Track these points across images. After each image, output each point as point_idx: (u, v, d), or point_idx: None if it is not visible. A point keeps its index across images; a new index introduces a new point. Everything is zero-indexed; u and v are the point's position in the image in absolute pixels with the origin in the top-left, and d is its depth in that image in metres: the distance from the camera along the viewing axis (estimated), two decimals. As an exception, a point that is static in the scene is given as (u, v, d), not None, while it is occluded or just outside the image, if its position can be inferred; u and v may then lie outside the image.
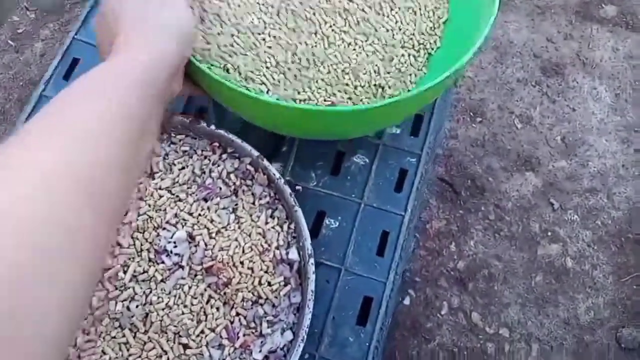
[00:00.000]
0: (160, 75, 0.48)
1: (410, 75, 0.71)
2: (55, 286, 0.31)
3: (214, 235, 0.62)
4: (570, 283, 1.10)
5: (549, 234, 1.13)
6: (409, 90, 0.70)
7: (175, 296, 0.59)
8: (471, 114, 1.20)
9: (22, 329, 0.29)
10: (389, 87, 0.70)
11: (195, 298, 0.59)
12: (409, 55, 0.72)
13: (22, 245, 0.30)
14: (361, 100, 0.68)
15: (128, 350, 0.57)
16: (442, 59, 0.72)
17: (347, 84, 0.68)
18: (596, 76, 1.26)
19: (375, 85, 0.69)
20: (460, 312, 1.05)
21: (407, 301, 1.04)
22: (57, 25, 1.16)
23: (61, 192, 0.33)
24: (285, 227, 0.68)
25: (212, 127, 0.69)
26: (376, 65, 0.70)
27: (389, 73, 0.70)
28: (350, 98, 0.68)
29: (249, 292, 0.62)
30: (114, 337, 0.58)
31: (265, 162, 0.69)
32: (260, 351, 0.62)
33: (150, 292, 0.60)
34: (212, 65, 0.63)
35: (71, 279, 0.33)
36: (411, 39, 0.72)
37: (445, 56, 0.71)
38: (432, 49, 0.73)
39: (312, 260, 0.65)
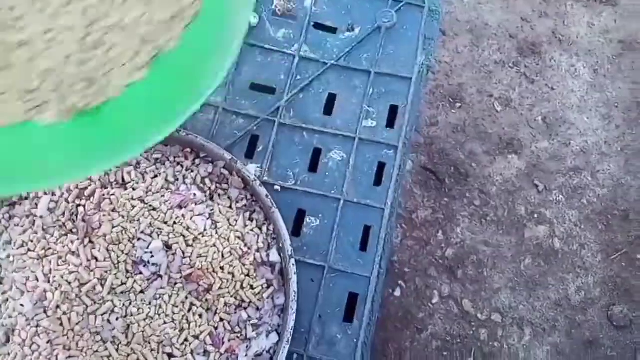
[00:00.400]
0: None
1: None
2: None
3: (190, 242, 0.61)
4: (560, 264, 1.10)
5: (536, 216, 1.12)
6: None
7: (155, 306, 0.58)
8: (450, 99, 1.19)
9: None
10: None
11: (177, 307, 0.58)
12: None
13: None
14: None
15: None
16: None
17: None
18: (573, 53, 1.26)
19: None
20: (451, 300, 1.05)
21: (397, 292, 1.04)
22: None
23: None
24: (264, 228, 0.68)
25: (183, 132, 0.68)
26: None
27: None
28: None
29: (231, 297, 0.61)
30: (96, 351, 0.57)
31: (240, 165, 0.68)
32: (246, 355, 0.61)
33: (130, 303, 0.58)
34: None
35: None
36: None
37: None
38: None
39: (292, 261, 0.65)
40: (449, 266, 1.07)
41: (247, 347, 0.61)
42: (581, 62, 1.25)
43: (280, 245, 0.66)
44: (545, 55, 1.24)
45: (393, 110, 0.80)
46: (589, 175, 1.16)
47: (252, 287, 0.63)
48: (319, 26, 0.84)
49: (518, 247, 1.10)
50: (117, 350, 0.56)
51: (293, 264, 0.64)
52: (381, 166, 0.77)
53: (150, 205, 0.61)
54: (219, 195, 0.68)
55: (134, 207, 0.61)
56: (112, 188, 0.62)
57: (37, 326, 0.54)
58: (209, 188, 0.67)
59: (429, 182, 1.11)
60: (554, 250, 1.10)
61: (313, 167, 0.77)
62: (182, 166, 0.67)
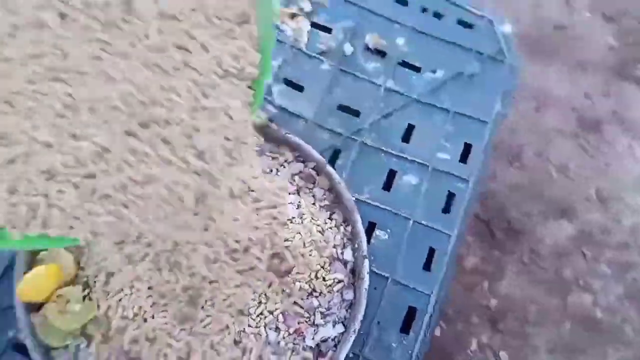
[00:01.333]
0: None
1: None
2: None
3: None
4: (600, 334, 1.10)
5: (581, 283, 1.14)
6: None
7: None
8: (510, 157, 1.24)
9: None
10: None
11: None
12: None
13: None
14: None
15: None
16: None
17: None
18: (632, 135, 1.30)
19: None
20: (489, 350, 1.06)
21: (437, 332, 1.05)
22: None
23: None
24: (341, 228, 0.72)
25: (283, 131, 0.75)
26: None
27: None
28: None
29: (305, 283, 0.66)
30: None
31: (329, 168, 0.74)
32: (312, 339, 0.65)
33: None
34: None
35: None
36: None
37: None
38: None
39: (366, 261, 0.69)
40: (491, 316, 1.09)
41: (314, 331, 0.65)
42: (639, 144, 1.29)
43: (356, 245, 0.70)
44: (604, 132, 1.29)
45: (467, 148, 0.85)
46: (637, 254, 1.18)
47: (324, 279, 0.67)
48: (405, 64, 0.91)
49: (561, 311, 1.11)
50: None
51: (367, 264, 0.68)
52: (451, 196, 0.82)
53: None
54: (305, 192, 0.73)
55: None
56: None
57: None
58: (297, 184, 0.73)
59: (482, 232, 1.15)
60: (596, 320, 1.11)
61: (387, 186, 0.82)
62: (276, 160, 0.73)
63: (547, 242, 1.18)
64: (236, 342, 0.61)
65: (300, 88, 0.87)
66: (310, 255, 0.67)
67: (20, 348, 0.68)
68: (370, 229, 0.78)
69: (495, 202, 1.19)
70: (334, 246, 0.69)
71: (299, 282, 0.65)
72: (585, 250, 1.17)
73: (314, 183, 0.74)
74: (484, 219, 1.17)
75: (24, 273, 0.63)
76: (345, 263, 0.70)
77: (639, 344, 1.12)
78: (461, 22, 0.94)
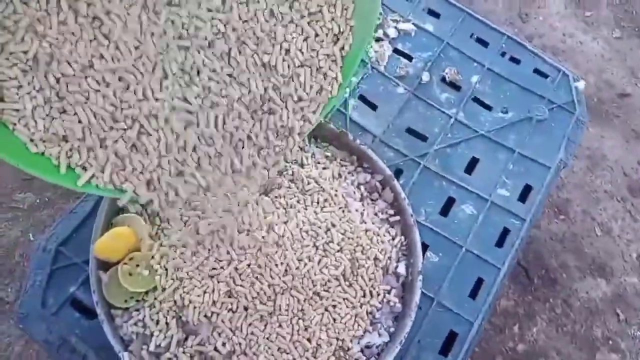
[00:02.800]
0: None
1: None
2: None
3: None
4: (624, 397, 1.10)
5: (610, 342, 1.14)
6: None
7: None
8: (556, 209, 1.26)
9: None
10: None
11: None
12: None
13: None
14: None
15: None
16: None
17: None
18: (680, 207, 1.31)
19: None
20: (511, 393, 1.06)
21: (462, 367, 1.06)
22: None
23: None
24: (397, 243, 0.75)
25: (357, 141, 0.78)
26: None
27: None
28: None
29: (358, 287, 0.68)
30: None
31: (396, 182, 0.77)
32: (358, 343, 0.67)
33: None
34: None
35: None
36: None
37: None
38: None
39: (420, 277, 0.71)
40: (517, 360, 1.10)
41: (360, 336, 0.67)
42: (685, 217, 1.29)
43: (411, 260, 0.73)
44: (652, 200, 1.30)
45: (527, 189, 0.88)
46: (671, 324, 1.18)
47: (375, 288, 0.70)
48: (477, 100, 0.94)
49: (586, 367, 1.12)
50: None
51: (420, 280, 0.71)
52: (505, 231, 0.85)
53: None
54: (367, 203, 0.76)
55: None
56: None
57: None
58: (361, 194, 0.76)
59: (519, 276, 1.16)
60: (620, 382, 1.11)
61: (444, 211, 0.85)
62: (346, 168, 0.77)
63: (582, 296, 1.18)
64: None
65: (374, 106, 0.91)
66: (366, 263, 0.69)
67: (78, 305, 0.72)
68: (422, 249, 0.81)
69: (536, 249, 1.20)
70: (389, 258, 0.72)
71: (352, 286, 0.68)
72: (619, 311, 1.18)
73: (378, 194, 0.77)
74: (523, 263, 1.19)
75: (102, 232, 0.67)
76: (398, 276, 0.72)
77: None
78: (537, 71, 0.97)
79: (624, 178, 1.33)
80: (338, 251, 0.66)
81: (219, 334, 0.61)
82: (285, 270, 0.63)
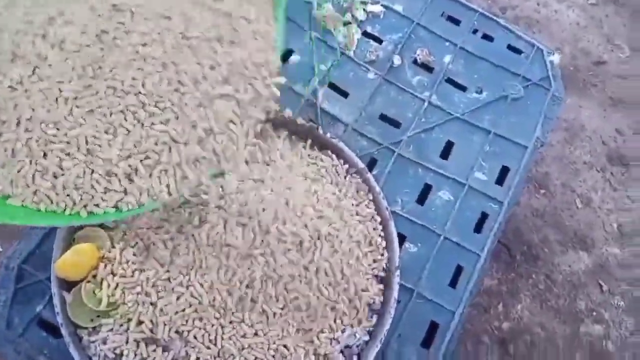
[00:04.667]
0: None
1: None
2: None
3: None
4: (609, 367, 1.11)
5: (594, 314, 1.15)
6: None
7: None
8: (536, 184, 1.25)
9: None
10: None
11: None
12: None
13: None
14: None
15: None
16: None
17: None
18: (659, 174, 1.31)
19: None
20: (498, 371, 1.07)
21: (448, 349, 1.06)
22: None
23: None
24: (375, 238, 0.73)
25: (328, 134, 0.76)
26: None
27: None
28: None
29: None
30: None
31: (369, 175, 0.75)
32: (338, 343, 0.65)
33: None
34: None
35: None
36: None
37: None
38: None
39: (398, 272, 0.70)
40: (502, 338, 1.10)
41: (339, 337, 0.66)
42: (664, 184, 1.30)
43: (388, 256, 0.71)
44: (631, 169, 1.29)
45: (504, 170, 0.86)
46: (653, 290, 1.18)
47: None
48: (451, 81, 0.92)
49: (571, 340, 1.12)
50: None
51: (398, 275, 0.69)
52: (484, 216, 0.83)
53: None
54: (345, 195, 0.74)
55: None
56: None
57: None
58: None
59: (501, 254, 1.16)
60: (605, 352, 1.12)
61: (421, 199, 0.83)
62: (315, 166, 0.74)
63: (564, 270, 1.18)
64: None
65: (344, 94, 0.88)
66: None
67: (45, 324, 0.69)
68: (400, 240, 0.79)
69: (516, 226, 1.19)
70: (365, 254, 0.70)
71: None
72: (602, 282, 1.18)
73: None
74: (504, 241, 1.18)
75: (63, 250, 0.63)
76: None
77: (646, 381, 1.13)
78: (510, 47, 0.94)
79: (602, 147, 1.32)
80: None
81: (192, 348, 0.59)
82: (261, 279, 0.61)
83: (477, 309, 1.11)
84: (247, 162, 0.57)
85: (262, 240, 0.60)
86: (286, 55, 0.89)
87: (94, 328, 0.60)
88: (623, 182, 1.29)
